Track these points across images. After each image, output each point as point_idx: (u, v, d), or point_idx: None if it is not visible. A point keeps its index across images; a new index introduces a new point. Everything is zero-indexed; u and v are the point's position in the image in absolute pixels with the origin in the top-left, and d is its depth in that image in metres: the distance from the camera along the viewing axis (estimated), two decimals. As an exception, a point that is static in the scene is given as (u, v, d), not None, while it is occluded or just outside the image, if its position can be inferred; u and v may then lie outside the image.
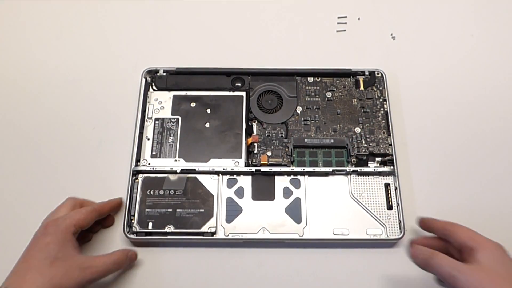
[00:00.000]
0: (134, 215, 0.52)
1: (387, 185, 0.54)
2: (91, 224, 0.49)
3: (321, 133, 0.57)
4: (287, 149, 0.56)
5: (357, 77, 0.60)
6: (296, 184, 0.54)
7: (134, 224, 0.51)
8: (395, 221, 0.52)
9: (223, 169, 0.54)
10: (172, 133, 0.56)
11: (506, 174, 0.56)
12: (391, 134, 0.56)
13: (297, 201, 0.53)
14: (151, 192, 0.53)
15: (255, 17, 0.67)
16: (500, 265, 0.43)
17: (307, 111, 0.58)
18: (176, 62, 0.61)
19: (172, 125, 0.57)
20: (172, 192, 0.53)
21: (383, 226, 0.52)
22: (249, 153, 0.56)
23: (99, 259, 0.47)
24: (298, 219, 0.52)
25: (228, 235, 0.51)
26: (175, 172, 0.54)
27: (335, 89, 0.59)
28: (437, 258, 0.44)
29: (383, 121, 0.57)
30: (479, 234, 0.46)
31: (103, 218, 0.52)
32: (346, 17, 0.67)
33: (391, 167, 0.55)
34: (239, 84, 0.60)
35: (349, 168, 0.54)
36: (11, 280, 0.43)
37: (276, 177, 0.54)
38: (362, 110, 0.58)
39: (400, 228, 0.52)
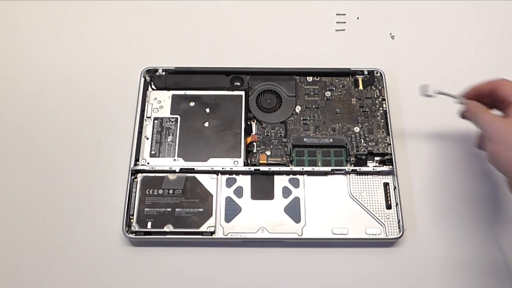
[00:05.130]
0: (133, 215, 0.52)
1: (386, 185, 0.54)
2: None
3: (320, 133, 0.57)
4: (286, 149, 0.56)
5: (356, 76, 0.60)
6: (295, 183, 0.54)
7: (133, 224, 0.51)
8: (394, 221, 0.52)
9: (222, 168, 0.54)
10: (171, 133, 0.56)
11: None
12: (390, 134, 0.56)
13: (296, 200, 0.53)
14: (150, 191, 0.53)
15: (254, 17, 0.67)
16: None
17: (306, 110, 0.58)
18: (175, 61, 0.61)
19: (171, 125, 0.57)
20: (171, 191, 0.53)
21: (382, 226, 0.52)
22: (248, 152, 0.56)
23: None
24: (297, 219, 0.52)
25: (227, 235, 0.51)
26: (174, 172, 0.54)
27: (334, 89, 0.59)
28: (481, 113, 0.47)
29: (382, 121, 0.57)
30: None
31: None
32: (345, 15, 0.67)
33: (390, 166, 0.55)
34: (238, 84, 0.60)
35: (348, 168, 0.54)
36: None
37: (275, 177, 0.54)
38: (361, 110, 0.58)
39: (399, 228, 0.52)
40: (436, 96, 0.51)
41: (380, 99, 0.59)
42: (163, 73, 0.60)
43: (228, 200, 0.53)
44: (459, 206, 0.54)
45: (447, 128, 0.59)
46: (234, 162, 0.55)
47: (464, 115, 0.50)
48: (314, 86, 0.60)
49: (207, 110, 0.58)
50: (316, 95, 0.59)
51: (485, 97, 0.49)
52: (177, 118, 0.57)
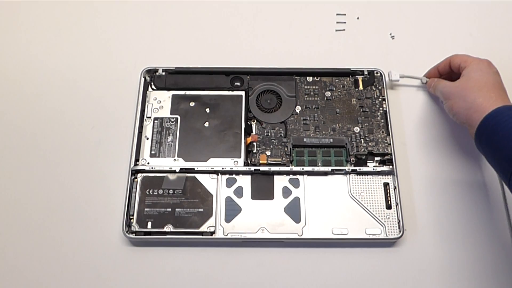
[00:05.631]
0: (133, 215, 0.52)
1: (386, 185, 0.54)
2: None
3: (320, 133, 0.57)
4: (286, 149, 0.56)
5: (356, 76, 0.60)
6: (295, 183, 0.54)
7: (133, 224, 0.51)
8: (394, 221, 0.52)
9: (222, 168, 0.54)
10: (171, 133, 0.56)
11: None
12: (390, 134, 0.56)
13: (296, 200, 0.53)
14: (150, 191, 0.53)
15: (254, 17, 0.67)
16: (482, 74, 0.52)
17: (306, 110, 0.58)
18: (175, 62, 0.61)
19: (171, 125, 0.57)
20: (171, 191, 0.53)
21: (382, 226, 0.52)
22: (248, 152, 0.56)
23: None
24: (297, 219, 0.52)
25: (227, 235, 0.51)
26: (174, 172, 0.54)
27: (334, 89, 0.59)
28: (439, 83, 0.56)
29: (382, 121, 0.57)
30: (472, 56, 0.54)
31: None
32: (345, 15, 0.67)
33: (390, 166, 0.55)
34: (238, 84, 0.60)
35: (348, 168, 0.54)
36: None
37: (275, 177, 0.54)
38: (361, 110, 0.58)
39: (399, 228, 0.52)
40: (399, 80, 0.60)
41: (380, 99, 0.59)
42: (163, 73, 0.60)
43: (228, 200, 0.53)
44: (459, 206, 0.54)
45: (447, 128, 0.59)
46: (234, 162, 0.55)
47: (429, 91, 0.60)
48: (314, 86, 0.60)
49: (207, 110, 0.58)
50: (316, 95, 0.59)
51: (448, 73, 0.57)
52: (177, 118, 0.57)
